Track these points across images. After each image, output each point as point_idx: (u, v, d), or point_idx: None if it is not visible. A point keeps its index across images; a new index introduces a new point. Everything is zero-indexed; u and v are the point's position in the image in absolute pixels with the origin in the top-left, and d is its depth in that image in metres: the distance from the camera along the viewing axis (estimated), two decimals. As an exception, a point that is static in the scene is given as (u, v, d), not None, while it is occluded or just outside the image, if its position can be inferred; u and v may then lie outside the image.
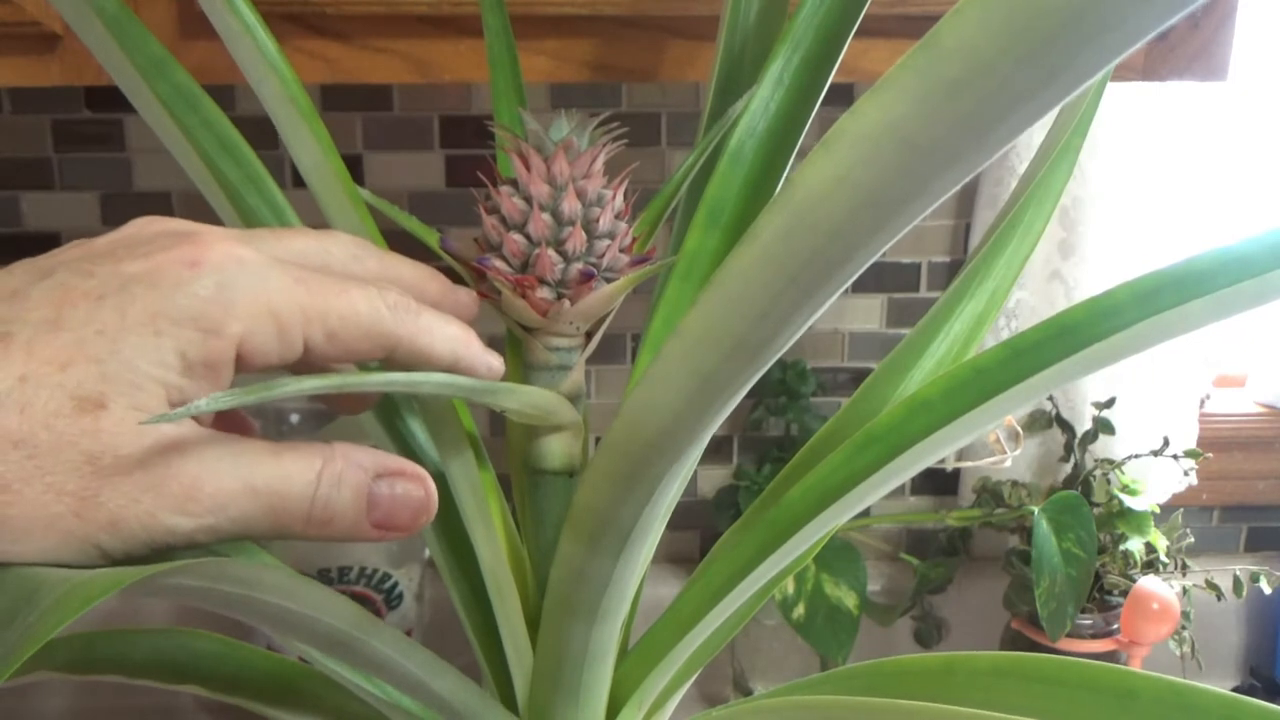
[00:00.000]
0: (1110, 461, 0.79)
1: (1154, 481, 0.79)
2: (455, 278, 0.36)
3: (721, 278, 0.23)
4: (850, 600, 0.74)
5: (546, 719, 0.39)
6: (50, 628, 0.21)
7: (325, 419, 0.75)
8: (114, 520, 0.25)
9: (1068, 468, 0.81)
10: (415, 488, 0.31)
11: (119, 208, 0.81)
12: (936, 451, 0.36)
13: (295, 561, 0.69)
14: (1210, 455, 0.79)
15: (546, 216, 0.35)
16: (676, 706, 0.44)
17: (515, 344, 0.39)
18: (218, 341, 0.27)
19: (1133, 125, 0.77)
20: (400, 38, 0.53)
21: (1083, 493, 0.76)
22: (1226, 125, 0.80)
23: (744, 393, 0.27)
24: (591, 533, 0.32)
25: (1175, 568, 0.78)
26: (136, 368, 0.26)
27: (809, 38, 0.43)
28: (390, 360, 0.31)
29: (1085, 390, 0.82)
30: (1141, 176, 0.78)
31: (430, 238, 0.38)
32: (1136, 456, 0.78)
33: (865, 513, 0.83)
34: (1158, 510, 0.76)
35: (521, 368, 0.38)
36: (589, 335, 0.38)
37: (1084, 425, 0.81)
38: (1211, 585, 0.77)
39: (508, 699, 0.41)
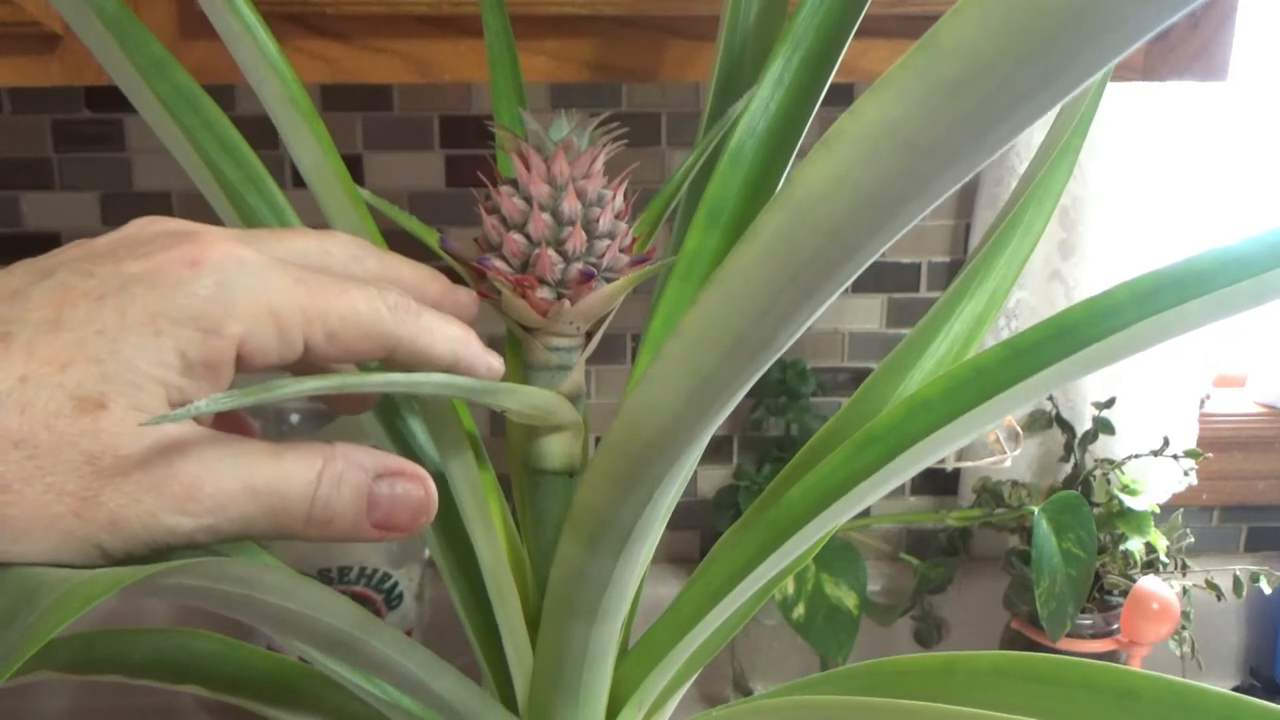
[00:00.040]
0: (1110, 461, 0.79)
1: (1154, 481, 0.79)
2: (455, 278, 0.36)
3: (722, 276, 0.23)
4: (850, 600, 0.74)
5: (546, 719, 0.39)
6: (50, 628, 0.21)
7: (325, 419, 0.75)
8: (114, 520, 0.26)
9: (1068, 468, 0.81)
10: (415, 488, 0.31)
11: (119, 208, 0.81)
12: (936, 451, 0.36)
13: (295, 561, 0.69)
14: (1210, 455, 0.79)
15: (546, 216, 0.35)
16: (676, 706, 0.44)
17: (515, 344, 0.39)
18: (218, 341, 0.27)
19: (1133, 125, 0.77)
20: (400, 38, 0.53)
21: (1083, 493, 0.76)
22: (1226, 125, 0.80)
23: (744, 392, 0.27)
24: (591, 533, 0.32)
25: (1175, 568, 0.78)
26: (137, 368, 0.26)
27: (809, 38, 0.43)
28: (390, 360, 0.31)
29: (1085, 390, 0.82)
30: (1141, 176, 0.78)
31: (430, 238, 0.38)
32: (1136, 456, 0.78)
33: (865, 513, 0.83)
34: (1158, 510, 0.76)
35: (521, 368, 0.38)
36: (589, 335, 0.38)
37: (1084, 425, 0.81)
38: (1211, 585, 0.77)
39: (508, 699, 0.41)
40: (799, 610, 0.74)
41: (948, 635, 0.84)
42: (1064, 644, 0.75)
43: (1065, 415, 0.81)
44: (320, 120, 0.39)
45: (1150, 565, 0.77)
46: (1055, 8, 0.17)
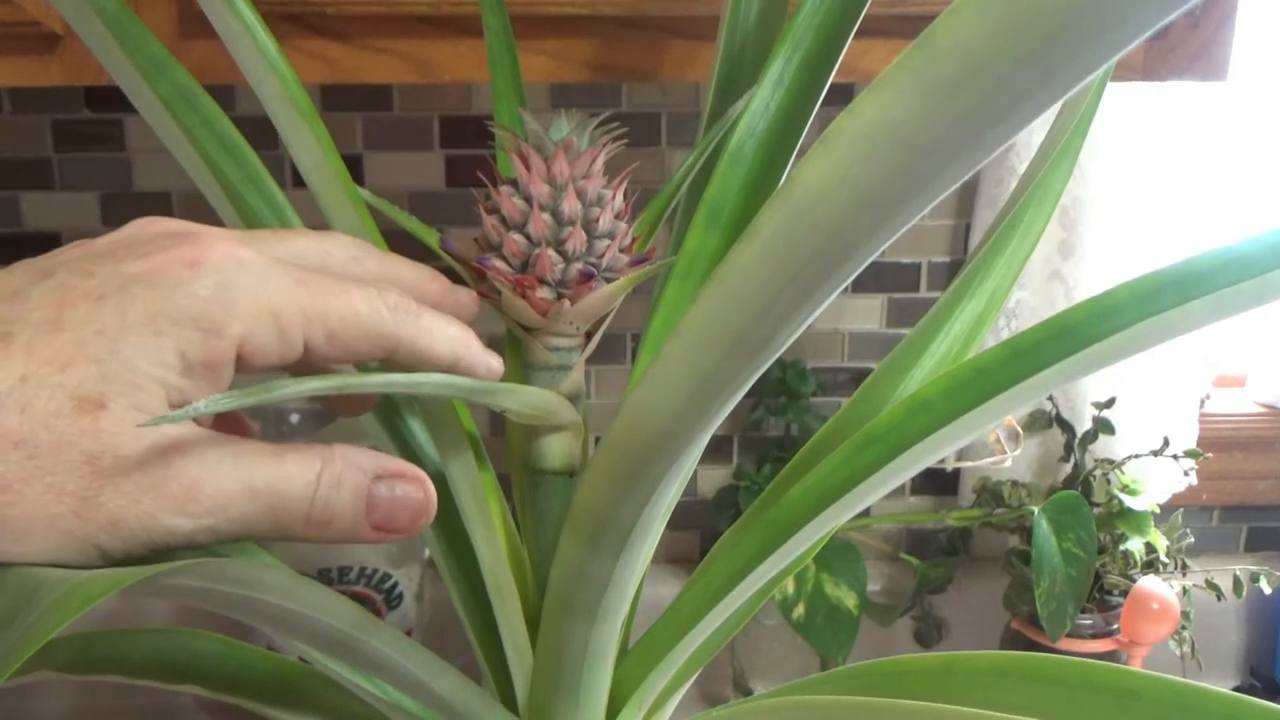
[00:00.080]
0: (1110, 461, 0.79)
1: (1154, 481, 0.79)
2: (455, 278, 0.36)
3: (722, 275, 0.23)
4: (850, 600, 0.74)
5: (546, 719, 0.39)
6: (50, 628, 0.21)
7: (325, 420, 0.75)
8: (114, 520, 0.26)
9: (1068, 468, 0.81)
10: (414, 489, 0.31)
11: (119, 208, 0.81)
12: (936, 451, 0.36)
13: (295, 562, 0.69)
14: (1210, 455, 0.79)
15: (546, 216, 0.35)
16: (676, 706, 0.44)
17: (515, 344, 0.39)
18: (218, 342, 0.27)
19: (1133, 125, 0.77)
20: (400, 38, 0.53)
21: (1083, 493, 0.76)
22: (1226, 125, 0.80)
23: (744, 392, 0.27)
24: (591, 533, 0.32)
25: (1175, 568, 0.78)
26: (136, 368, 0.26)
27: (809, 38, 0.43)
28: (390, 361, 0.31)
29: (1085, 390, 0.82)
30: (1141, 176, 0.78)
31: (430, 238, 0.38)
32: (1136, 456, 0.78)
33: (865, 513, 0.83)
34: (1158, 510, 0.76)
35: (521, 368, 0.38)
36: (589, 335, 0.38)
37: (1084, 425, 0.81)
38: (1211, 585, 0.77)
39: (508, 699, 0.41)
40: (799, 610, 0.74)
41: (948, 635, 0.84)
42: (1064, 644, 0.75)
43: (1065, 415, 0.81)
44: (320, 120, 0.39)
45: (1150, 565, 0.77)
46: (1054, 7, 0.17)
